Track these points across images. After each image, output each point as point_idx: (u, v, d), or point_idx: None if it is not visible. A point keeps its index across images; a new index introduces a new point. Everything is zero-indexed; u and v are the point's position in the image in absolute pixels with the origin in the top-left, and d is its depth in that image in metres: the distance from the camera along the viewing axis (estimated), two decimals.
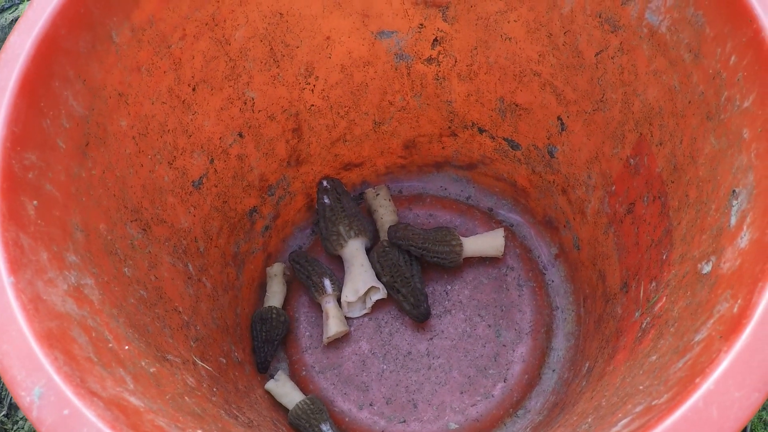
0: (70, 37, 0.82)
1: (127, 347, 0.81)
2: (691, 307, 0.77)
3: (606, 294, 1.02)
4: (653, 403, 0.67)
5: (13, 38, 0.81)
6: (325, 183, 1.15)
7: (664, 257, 0.88)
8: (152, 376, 0.82)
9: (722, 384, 0.60)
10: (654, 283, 0.89)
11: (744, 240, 0.72)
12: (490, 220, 1.19)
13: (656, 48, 0.86)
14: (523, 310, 1.13)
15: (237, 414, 0.94)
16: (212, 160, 1.01)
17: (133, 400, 0.74)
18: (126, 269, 0.88)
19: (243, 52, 0.97)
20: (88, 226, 0.83)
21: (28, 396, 0.66)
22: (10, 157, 0.76)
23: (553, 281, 1.15)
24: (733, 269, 0.71)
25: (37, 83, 0.79)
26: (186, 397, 0.86)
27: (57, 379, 0.67)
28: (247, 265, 1.13)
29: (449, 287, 1.15)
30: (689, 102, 0.84)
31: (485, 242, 1.14)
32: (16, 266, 0.71)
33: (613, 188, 0.99)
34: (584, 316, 1.09)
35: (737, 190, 0.76)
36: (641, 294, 0.92)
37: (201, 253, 1.02)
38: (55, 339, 0.71)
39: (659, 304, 0.86)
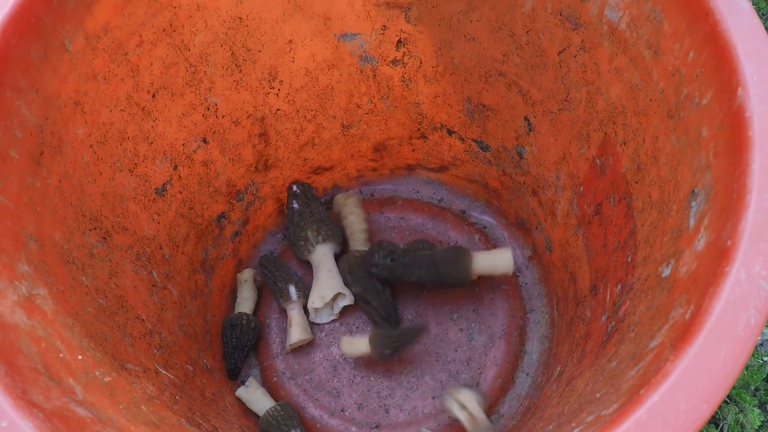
0: (20, 46, 0.80)
1: (80, 357, 0.79)
2: (650, 312, 0.74)
3: (576, 296, 0.98)
4: (602, 413, 0.64)
5: None
6: (294, 188, 1.12)
7: (629, 259, 0.85)
8: (106, 386, 0.80)
9: (668, 396, 0.57)
10: (620, 286, 0.86)
11: (701, 242, 0.68)
12: (463, 222, 1.16)
13: (617, 45, 0.83)
14: (496, 313, 1.09)
15: (200, 422, 0.92)
16: (176, 167, 0.99)
17: (79, 410, 0.72)
18: (84, 278, 0.86)
19: (203, 57, 0.95)
20: (42, 236, 0.81)
21: None
22: None
23: (526, 284, 1.12)
24: (690, 273, 0.68)
25: None
26: (143, 406, 0.83)
27: None
28: (216, 271, 1.10)
29: (421, 291, 1.11)
30: (650, 100, 0.80)
31: (490, 260, 1.01)
32: None
33: (581, 189, 0.96)
34: (557, 319, 1.05)
35: (696, 190, 0.72)
36: (608, 297, 0.88)
37: (166, 260, 1.00)
38: None
39: (623, 308, 0.83)
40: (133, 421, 0.79)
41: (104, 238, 0.90)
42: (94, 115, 0.88)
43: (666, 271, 0.74)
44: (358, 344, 1.02)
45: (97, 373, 0.80)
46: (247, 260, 1.16)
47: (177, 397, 0.92)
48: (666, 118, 0.78)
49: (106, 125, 0.89)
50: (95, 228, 0.89)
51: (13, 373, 0.68)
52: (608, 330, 0.85)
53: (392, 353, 1.00)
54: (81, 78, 0.85)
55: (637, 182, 0.84)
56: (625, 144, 0.86)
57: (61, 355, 0.76)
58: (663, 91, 0.78)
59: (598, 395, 0.72)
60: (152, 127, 0.94)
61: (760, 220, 0.62)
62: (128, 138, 0.92)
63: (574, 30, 0.87)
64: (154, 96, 0.93)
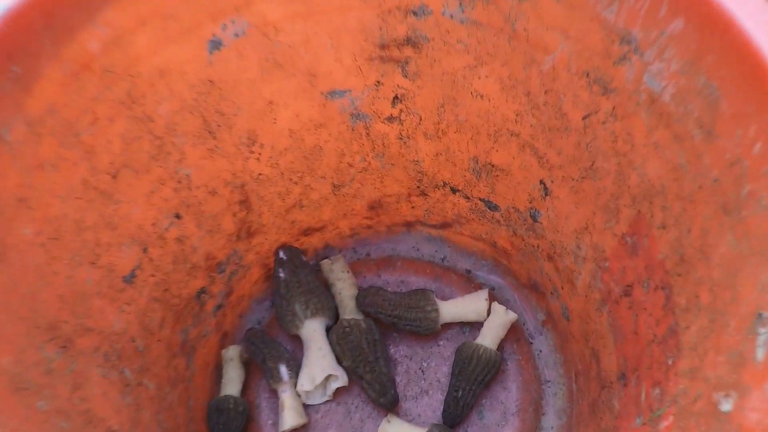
0: None
1: None
2: None
3: (601, 378, 0.84)
4: None
5: None
6: (281, 254, 0.95)
7: (670, 362, 0.69)
8: None
9: None
10: (658, 390, 0.71)
11: None
12: (469, 283, 1.00)
13: (658, 118, 0.66)
14: (508, 386, 0.94)
15: None
16: (146, 249, 0.82)
17: None
18: (40, 403, 0.69)
19: (170, 127, 0.77)
20: None
21: None
22: None
23: (540, 351, 0.97)
24: (765, 426, 0.53)
25: None
26: None
27: None
28: (198, 351, 0.94)
29: (425, 364, 0.96)
30: (699, 187, 0.64)
31: (466, 306, 0.95)
32: None
33: (607, 264, 0.80)
34: (576, 395, 0.91)
35: (765, 314, 0.57)
36: (642, 397, 0.73)
37: (140, 352, 0.84)
38: None
39: (665, 423, 0.68)
40: None
41: (64, 347, 0.74)
42: (43, 209, 0.70)
43: (725, 405, 0.59)
44: None
45: None
46: (232, 332, 1.00)
47: None
48: (721, 212, 0.62)
49: (59, 218, 0.72)
50: (53, 338, 0.72)
51: None
52: None
53: None
54: (24, 170, 0.67)
55: (679, 275, 0.68)
56: (664, 228, 0.70)
57: None
58: (717, 180, 0.62)
59: None
60: (115, 210, 0.77)
61: None
62: (87, 228, 0.75)
63: (603, 95, 0.70)
64: (115, 177, 0.75)
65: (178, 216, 0.84)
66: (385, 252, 1.02)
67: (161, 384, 0.86)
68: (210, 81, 0.76)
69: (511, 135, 0.80)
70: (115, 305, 0.80)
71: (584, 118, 0.73)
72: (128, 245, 0.80)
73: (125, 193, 0.77)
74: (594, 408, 0.84)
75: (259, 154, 0.85)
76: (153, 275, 0.84)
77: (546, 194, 0.84)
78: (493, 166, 0.86)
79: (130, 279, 0.81)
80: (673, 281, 0.69)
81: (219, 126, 0.80)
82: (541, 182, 0.83)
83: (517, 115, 0.78)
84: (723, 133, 0.61)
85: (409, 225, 1.01)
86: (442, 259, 1.02)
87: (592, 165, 0.75)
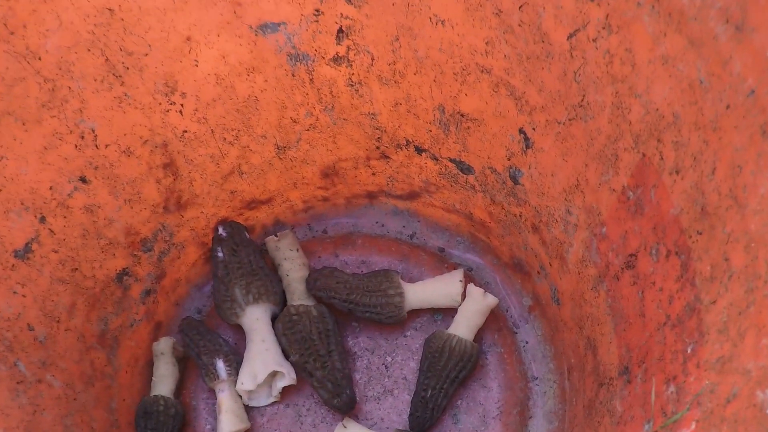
0: None
1: None
2: None
3: (599, 373, 0.61)
4: None
5: None
6: (220, 230, 0.75)
7: (689, 350, 0.47)
8: None
9: None
10: (673, 388, 0.48)
11: None
12: (442, 263, 0.78)
13: (666, 20, 0.45)
14: (488, 385, 0.72)
15: None
16: (43, 219, 0.62)
17: None
18: None
19: (63, 68, 0.57)
20: None
21: None
22: None
23: (527, 342, 0.74)
24: None
25: None
26: None
27: None
28: (124, 343, 0.73)
29: (389, 359, 0.74)
30: (727, 106, 0.43)
31: (436, 289, 0.73)
32: None
33: (604, 230, 0.58)
34: (570, 394, 0.68)
35: None
36: (652, 397, 0.51)
37: (41, 343, 0.63)
38: None
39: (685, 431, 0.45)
40: None
41: None
42: None
43: None
44: None
45: None
46: (168, 322, 0.78)
47: None
48: (759, 136, 0.41)
49: None
50: None
51: None
52: None
53: None
54: None
55: (700, 233, 0.46)
56: (678, 173, 0.48)
57: None
58: (754, 92, 0.40)
59: None
60: None
61: None
62: None
63: (593, 1, 0.48)
64: None
65: (83, 180, 0.63)
66: (344, 228, 0.81)
67: (71, 381, 0.66)
68: (109, 9, 0.56)
69: (482, 72, 0.59)
70: (4, 285, 0.60)
71: (570, 36, 0.52)
72: (18, 212, 0.60)
73: (10, 148, 0.58)
74: (590, 410, 0.62)
75: (182, 105, 0.64)
76: (56, 251, 0.63)
77: (527, 146, 0.62)
78: (462, 115, 0.64)
79: (23, 254, 0.61)
80: (692, 243, 0.47)
81: (127, 68, 0.60)
82: (521, 131, 0.61)
83: (487, 43, 0.57)
84: (760, 23, 0.39)
85: (371, 196, 0.80)
86: (411, 236, 0.80)
87: (582, 100, 0.54)
